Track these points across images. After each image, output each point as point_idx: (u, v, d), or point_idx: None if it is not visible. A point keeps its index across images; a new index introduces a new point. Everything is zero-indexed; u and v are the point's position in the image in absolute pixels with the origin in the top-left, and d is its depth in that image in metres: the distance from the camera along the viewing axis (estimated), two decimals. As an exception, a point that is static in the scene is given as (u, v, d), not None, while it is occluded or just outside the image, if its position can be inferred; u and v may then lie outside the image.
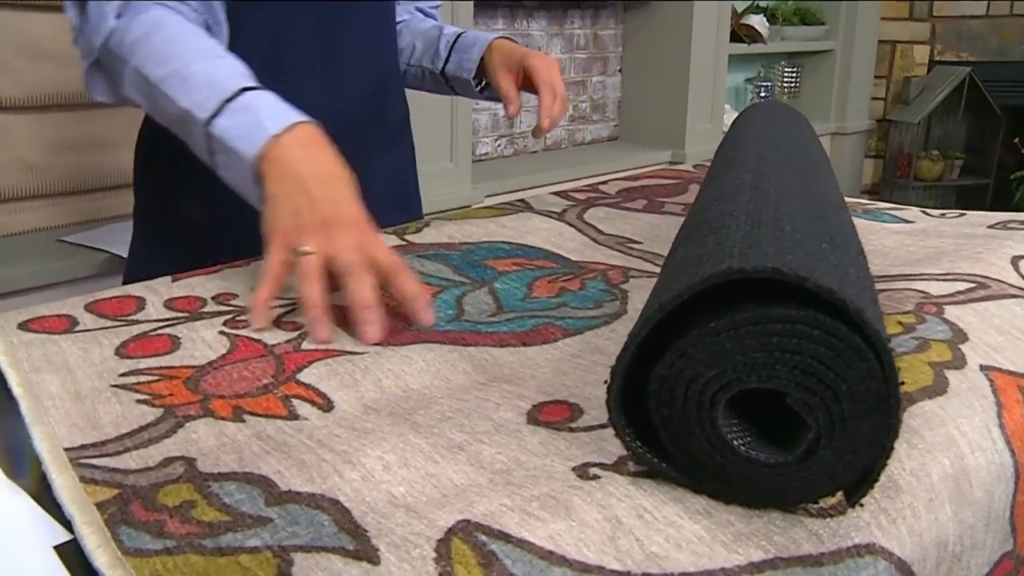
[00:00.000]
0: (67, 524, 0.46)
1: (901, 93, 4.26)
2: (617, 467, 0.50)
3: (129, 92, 0.89)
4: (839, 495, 0.47)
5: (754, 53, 3.66)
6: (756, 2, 3.73)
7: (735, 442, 0.45)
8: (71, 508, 0.46)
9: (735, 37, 3.51)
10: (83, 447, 0.53)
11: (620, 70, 3.45)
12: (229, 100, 0.80)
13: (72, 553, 0.45)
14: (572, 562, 0.42)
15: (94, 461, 0.52)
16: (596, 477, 0.48)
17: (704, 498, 0.47)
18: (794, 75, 3.93)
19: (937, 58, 4.23)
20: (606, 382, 0.47)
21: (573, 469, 0.49)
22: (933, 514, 0.49)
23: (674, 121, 3.34)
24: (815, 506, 0.47)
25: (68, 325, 0.72)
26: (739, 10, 3.61)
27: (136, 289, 0.80)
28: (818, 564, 0.44)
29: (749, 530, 0.45)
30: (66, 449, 0.53)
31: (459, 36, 1.25)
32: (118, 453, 0.53)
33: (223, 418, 0.57)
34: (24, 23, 1.84)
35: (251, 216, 0.80)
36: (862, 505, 0.47)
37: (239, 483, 0.49)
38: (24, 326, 0.72)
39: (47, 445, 0.52)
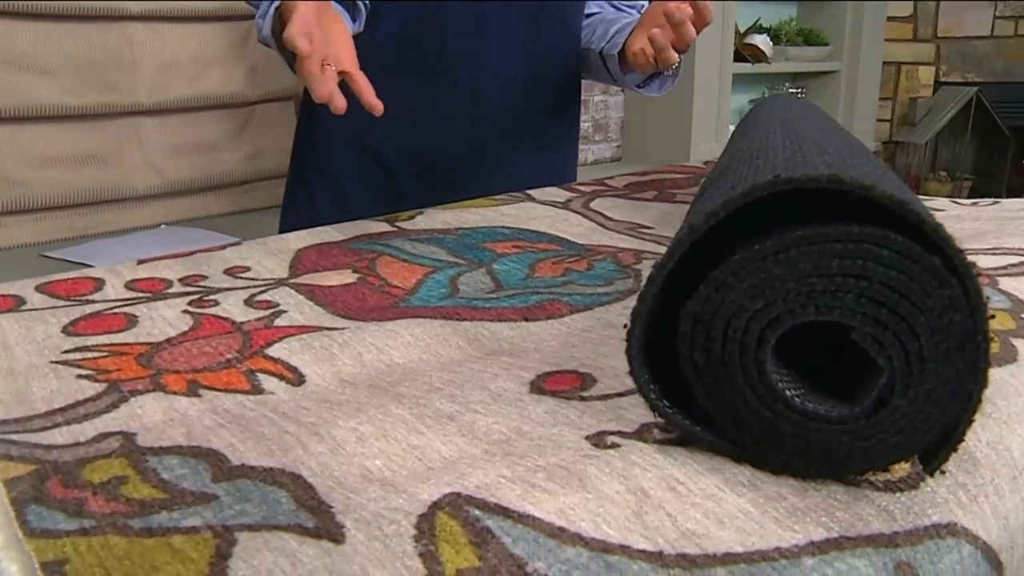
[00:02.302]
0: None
1: (907, 114, 4.18)
2: (640, 435, 0.41)
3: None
4: (911, 464, 0.39)
5: (758, 73, 3.60)
6: (759, 21, 3.67)
7: (787, 392, 0.36)
8: (-28, 485, 0.38)
9: (739, 57, 3.44)
10: (4, 422, 0.45)
11: (622, 90, 3.39)
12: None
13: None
14: (588, 540, 0.33)
15: (14, 437, 0.43)
16: (615, 446, 0.40)
17: (748, 468, 0.39)
18: (799, 96, 3.86)
19: (942, 79, 4.16)
20: (625, 326, 0.39)
21: (587, 438, 0.41)
22: (1019, 494, 0.40)
23: (678, 141, 3.27)
24: (880, 478, 0.38)
25: (13, 304, 0.64)
26: (742, 30, 3.56)
27: (96, 271, 0.72)
28: (892, 545, 0.35)
29: (805, 505, 0.37)
30: (-17, 425, 0.45)
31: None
32: (44, 428, 0.44)
33: (175, 392, 0.49)
34: (6, 32, 1.77)
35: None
36: (943, 472, 0.38)
37: (183, 457, 0.40)
38: None
39: (-41, 420, 0.44)
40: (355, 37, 0.99)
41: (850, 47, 3.91)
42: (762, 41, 3.49)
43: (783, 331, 0.36)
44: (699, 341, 0.37)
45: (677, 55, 1.07)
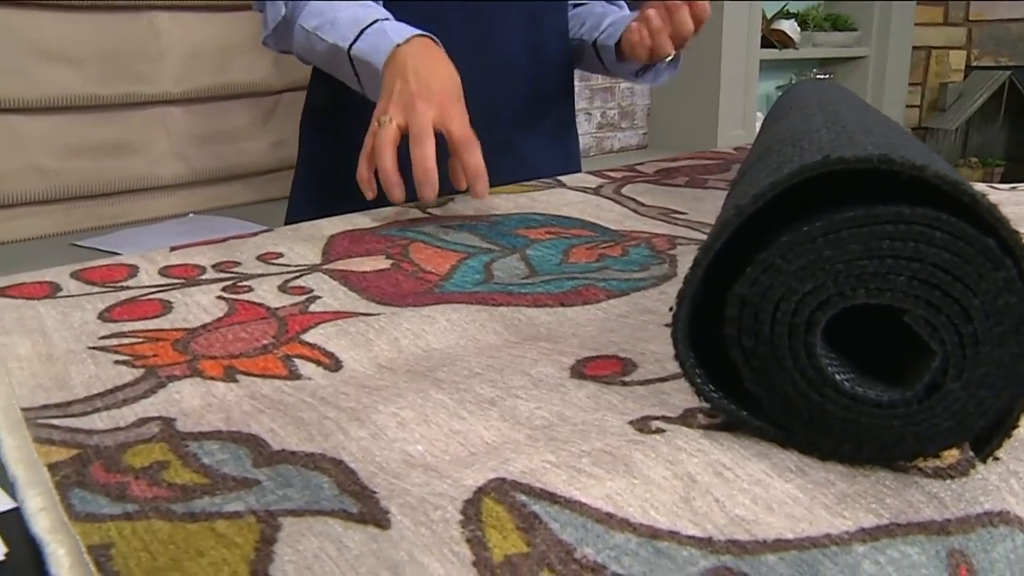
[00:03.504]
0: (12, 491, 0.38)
1: (937, 100, 4.14)
2: (684, 420, 0.40)
3: (296, 48, 1.05)
4: (961, 450, 0.38)
5: (785, 59, 3.57)
6: (786, 7, 3.64)
7: (837, 376, 0.36)
8: (15, 469, 0.37)
9: (766, 43, 3.42)
10: (45, 407, 0.45)
11: (648, 77, 3.37)
12: (365, 28, 0.95)
13: (14, 524, 0.36)
14: (637, 526, 0.33)
15: (55, 421, 0.43)
16: (660, 431, 0.39)
17: (795, 453, 0.38)
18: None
19: (974, 63, 4.11)
20: (671, 309, 0.39)
21: (630, 423, 0.40)
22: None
23: (704, 128, 3.25)
24: (930, 465, 0.38)
25: (49, 291, 0.64)
26: (769, 15, 3.53)
27: (130, 258, 0.72)
28: (944, 533, 0.34)
29: (854, 491, 0.36)
30: (24, 409, 0.44)
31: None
32: (85, 413, 0.44)
33: (212, 378, 0.48)
34: (34, 23, 1.77)
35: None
36: (996, 459, 0.37)
37: (223, 443, 0.40)
38: (1, 292, 0.64)
39: (0, 404, 0.44)
40: None
41: (879, 32, 3.87)
42: (789, 27, 3.46)
43: (833, 314, 0.35)
44: (747, 324, 0.37)
45: (671, 47, 1.07)
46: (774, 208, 0.37)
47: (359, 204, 0.88)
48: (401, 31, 0.93)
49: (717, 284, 0.38)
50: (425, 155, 0.83)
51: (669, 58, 1.14)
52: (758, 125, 3.23)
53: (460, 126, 0.86)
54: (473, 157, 0.85)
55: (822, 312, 0.35)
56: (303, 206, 1.23)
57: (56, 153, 1.83)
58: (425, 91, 0.86)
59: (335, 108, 1.16)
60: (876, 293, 0.34)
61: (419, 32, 0.94)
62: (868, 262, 0.34)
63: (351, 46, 0.95)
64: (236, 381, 0.48)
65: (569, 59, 1.29)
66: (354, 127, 1.07)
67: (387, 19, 0.97)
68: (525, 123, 1.23)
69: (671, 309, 0.38)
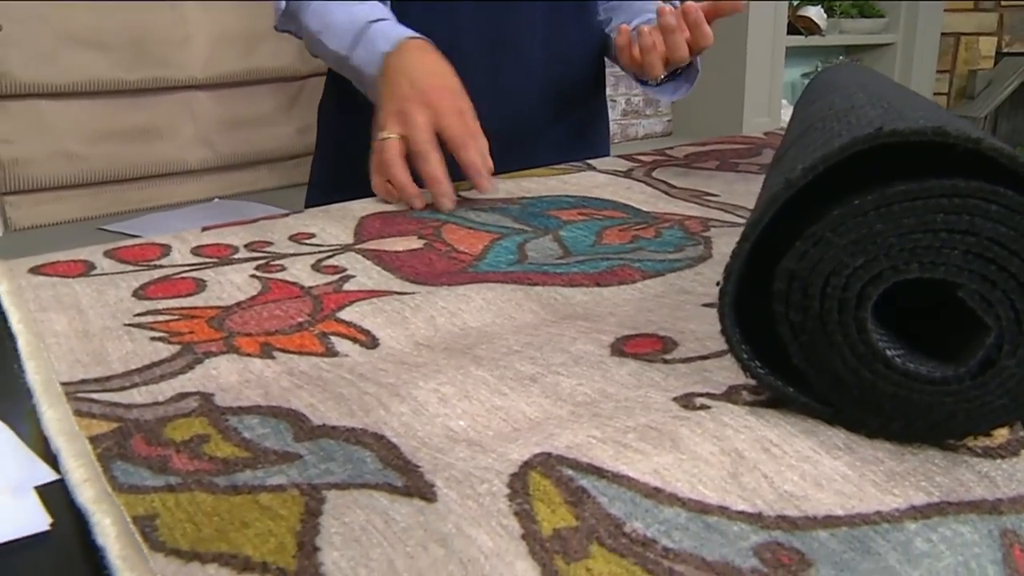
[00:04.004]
0: (56, 464, 0.38)
1: (966, 87, 4.09)
2: (729, 396, 0.40)
3: (307, 46, 1.05)
4: (1011, 430, 0.37)
5: (811, 46, 3.54)
6: (813, -7, 3.61)
7: (888, 352, 0.35)
8: (58, 440, 0.37)
9: (792, 29, 3.39)
10: (83, 382, 0.45)
11: (674, 64, 3.35)
12: (359, 35, 0.94)
13: (58, 494, 0.36)
14: (686, 501, 0.32)
15: (94, 395, 0.43)
16: (705, 407, 0.39)
17: (842, 431, 0.37)
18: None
19: (1005, 50, 4.06)
20: (717, 284, 0.38)
21: (674, 400, 0.40)
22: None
23: (729, 115, 3.23)
24: (980, 444, 0.37)
25: (84, 269, 0.64)
26: (795, 1, 3.50)
27: (162, 238, 0.72)
28: (996, 512, 0.34)
29: (903, 469, 0.35)
30: (64, 384, 0.44)
31: None
32: (123, 388, 0.44)
33: (248, 355, 0.48)
34: (62, 10, 1.78)
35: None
36: (1050, 437, 0.37)
37: (263, 417, 0.40)
38: (36, 270, 0.64)
39: (40, 378, 0.44)
40: None
41: (907, 18, 3.83)
42: (816, 13, 3.43)
43: (885, 287, 0.34)
44: (795, 299, 0.36)
45: (659, 67, 1.00)
46: (820, 184, 0.36)
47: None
48: (389, 36, 0.92)
49: (761, 259, 0.38)
50: (432, 169, 0.82)
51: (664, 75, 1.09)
52: (783, 113, 3.19)
53: (454, 123, 0.84)
54: (468, 154, 0.83)
55: (873, 286, 0.35)
56: (321, 192, 1.22)
57: (83, 138, 1.84)
58: (416, 93, 0.85)
59: (352, 94, 1.16)
60: (930, 267, 0.34)
61: (408, 35, 0.92)
62: (922, 236, 0.34)
63: (350, 54, 0.96)
64: (273, 358, 0.48)
65: (597, 52, 1.26)
66: (370, 114, 1.08)
67: (378, 20, 0.96)
68: (549, 117, 1.20)
69: (718, 283, 0.38)
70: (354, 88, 1.09)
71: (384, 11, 0.98)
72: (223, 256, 0.67)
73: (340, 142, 1.23)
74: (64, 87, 1.80)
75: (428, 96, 0.85)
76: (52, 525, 0.35)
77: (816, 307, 0.36)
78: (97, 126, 1.87)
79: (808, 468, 0.35)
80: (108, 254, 0.68)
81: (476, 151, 0.83)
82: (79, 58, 1.81)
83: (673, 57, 0.98)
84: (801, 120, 0.59)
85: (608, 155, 1.31)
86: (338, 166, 1.22)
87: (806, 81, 3.76)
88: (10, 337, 0.52)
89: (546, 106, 1.19)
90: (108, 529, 0.31)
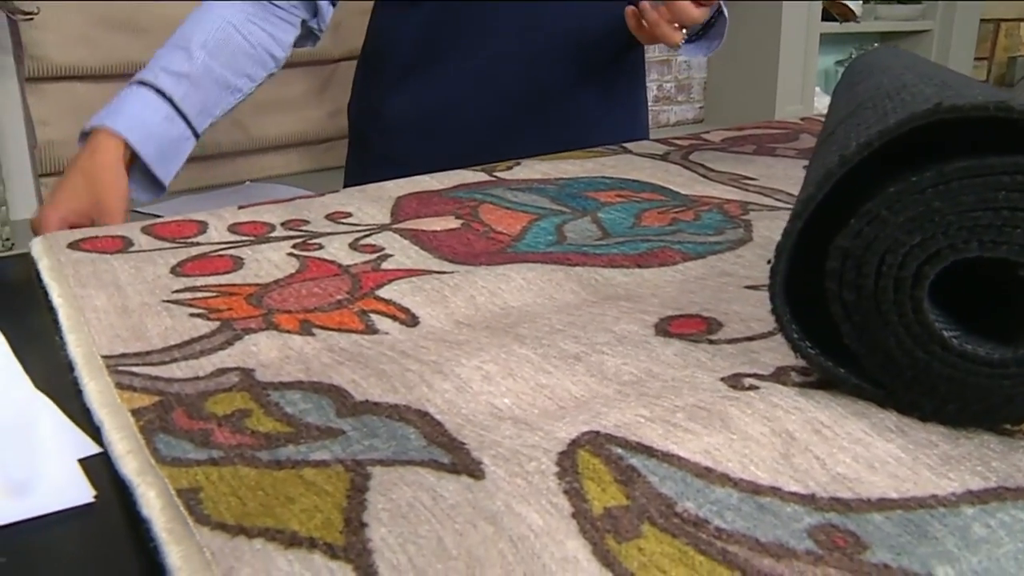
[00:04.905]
0: (97, 436, 0.37)
1: (1005, 75, 4.03)
2: (777, 377, 0.39)
3: None
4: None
5: (845, 32, 3.50)
6: (849, -21, 3.57)
7: (944, 332, 0.34)
8: (101, 413, 0.37)
9: (826, 16, 3.35)
10: (124, 355, 0.45)
11: (706, 50, 3.32)
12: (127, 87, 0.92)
13: (101, 467, 0.36)
14: (737, 481, 0.32)
15: (135, 369, 0.43)
16: (754, 388, 0.38)
17: (894, 413, 0.37)
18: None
19: (1045, 37, 4.01)
20: (769, 262, 0.37)
21: (722, 380, 0.39)
22: None
23: (762, 102, 3.20)
24: (1037, 429, 0.36)
25: (122, 245, 0.64)
26: (831, -13, 3.46)
27: (199, 215, 0.72)
28: (1055, 498, 0.33)
29: (958, 453, 0.35)
30: (104, 356, 0.44)
31: None
32: (163, 363, 0.44)
33: (288, 331, 0.48)
34: (98, -9, 1.79)
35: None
36: (1112, 422, 0.36)
37: (304, 392, 0.40)
38: (75, 245, 0.64)
39: (81, 351, 0.44)
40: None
41: (945, 4, 3.78)
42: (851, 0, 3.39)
43: (943, 266, 0.34)
44: (849, 278, 0.35)
45: (675, 35, 0.96)
46: (870, 163, 0.35)
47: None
48: (104, 114, 0.89)
49: (808, 238, 0.37)
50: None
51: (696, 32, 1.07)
52: (816, 100, 3.15)
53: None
54: None
55: (931, 266, 0.34)
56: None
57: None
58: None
59: (379, 89, 1.15)
60: (991, 246, 0.33)
61: (101, 123, 0.88)
62: (982, 214, 0.33)
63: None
64: (312, 335, 0.47)
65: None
66: (398, 110, 1.07)
67: (141, 81, 0.92)
68: (580, 91, 1.18)
69: (769, 261, 0.37)
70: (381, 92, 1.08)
71: (170, 68, 0.93)
72: (260, 234, 0.67)
73: (369, 136, 1.22)
74: (99, 70, 1.80)
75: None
76: (95, 497, 0.34)
77: (870, 286, 0.35)
78: (130, 108, 1.87)
79: (860, 450, 0.34)
80: (145, 230, 0.68)
81: None
82: (114, 41, 1.82)
83: (682, 22, 0.94)
84: (847, 101, 0.57)
85: (648, 131, 1.30)
86: (370, 162, 1.22)
87: (840, 69, 3.72)
88: (50, 311, 0.52)
89: (575, 70, 1.16)
90: (153, 501, 0.31)
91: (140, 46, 1.84)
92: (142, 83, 0.91)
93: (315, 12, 1.06)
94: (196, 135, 0.94)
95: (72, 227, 0.79)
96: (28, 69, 1.73)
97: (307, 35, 1.08)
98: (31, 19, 1.63)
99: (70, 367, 0.44)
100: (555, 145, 1.06)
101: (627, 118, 1.25)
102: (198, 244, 0.64)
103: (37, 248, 0.64)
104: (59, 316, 0.50)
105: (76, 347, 0.45)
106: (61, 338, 0.48)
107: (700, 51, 1.12)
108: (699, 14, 0.93)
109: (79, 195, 0.84)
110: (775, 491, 0.31)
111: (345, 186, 1.26)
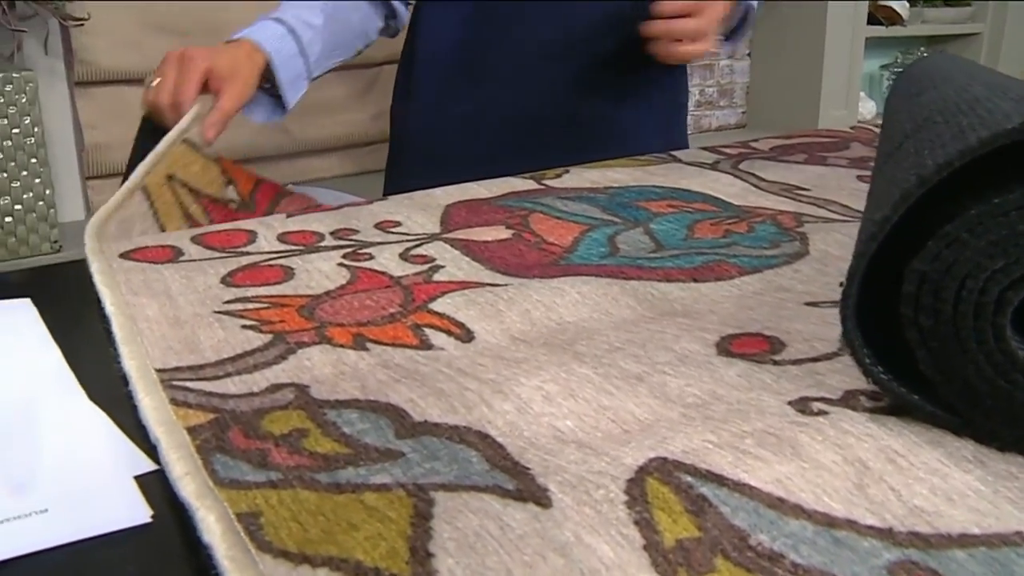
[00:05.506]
0: (153, 453, 0.37)
1: (1052, 80, 3.96)
2: (846, 402, 0.38)
3: None
4: None
5: (892, 36, 3.46)
6: (895, -17, 3.53)
7: (1029, 361, 0.33)
8: (157, 431, 0.37)
9: (872, 20, 3.31)
10: (177, 369, 0.44)
11: (749, 54, 3.29)
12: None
13: (157, 485, 0.35)
14: (811, 513, 0.31)
15: (189, 384, 0.42)
16: (823, 412, 0.37)
17: (970, 442, 0.35)
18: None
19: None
20: (841, 284, 0.36)
21: (790, 404, 0.38)
22: None
23: (806, 108, 3.17)
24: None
25: (172, 255, 0.64)
26: (877, -9, 3.42)
27: (248, 223, 0.72)
28: None
29: (1041, 486, 0.33)
30: (158, 370, 0.44)
31: None
32: (217, 377, 0.44)
33: (342, 345, 0.47)
34: (144, -2, 1.80)
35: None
36: None
37: (362, 411, 0.39)
38: (126, 255, 0.64)
39: (136, 364, 0.44)
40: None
41: (995, 6, 3.72)
42: (898, 3, 3.35)
43: (1027, 293, 0.32)
44: (926, 302, 0.34)
45: (686, 54, 0.99)
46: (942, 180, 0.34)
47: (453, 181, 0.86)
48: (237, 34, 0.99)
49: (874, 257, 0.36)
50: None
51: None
52: (861, 105, 3.10)
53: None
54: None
55: (1014, 291, 0.32)
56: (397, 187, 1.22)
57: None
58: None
59: (419, 90, 1.15)
60: (1079, 271, 0.32)
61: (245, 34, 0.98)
62: (1070, 237, 0.32)
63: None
64: (366, 349, 0.47)
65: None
66: (439, 111, 1.08)
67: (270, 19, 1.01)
68: (616, 90, 1.17)
69: (841, 284, 0.36)
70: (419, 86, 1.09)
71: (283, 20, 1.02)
72: (309, 243, 0.66)
73: (411, 138, 1.23)
74: (145, 73, 1.81)
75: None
76: (152, 517, 0.34)
77: (949, 312, 0.33)
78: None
79: (937, 481, 0.33)
80: (195, 240, 0.67)
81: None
82: (161, 45, 1.83)
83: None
84: (909, 113, 0.56)
85: (686, 138, 1.29)
86: (413, 162, 1.22)
87: (885, 73, 3.68)
88: (103, 319, 0.52)
89: (611, 69, 1.15)
90: (213, 526, 0.30)
91: (185, 50, 1.85)
92: (278, 20, 1.01)
93: (394, 13, 1.17)
94: (309, 78, 1.05)
95: (193, 75, 0.91)
96: (78, 73, 1.75)
97: (386, 28, 1.19)
98: (82, 24, 1.64)
99: (124, 379, 0.44)
100: (592, 144, 1.06)
101: (663, 121, 1.24)
102: (248, 253, 0.64)
103: (90, 244, 0.64)
104: (112, 326, 0.49)
105: (130, 359, 0.44)
106: (115, 348, 0.47)
107: (728, 46, 1.16)
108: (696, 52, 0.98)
109: (218, 52, 0.94)
110: (851, 524, 0.30)
111: (386, 188, 1.26)
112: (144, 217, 0.76)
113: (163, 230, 0.76)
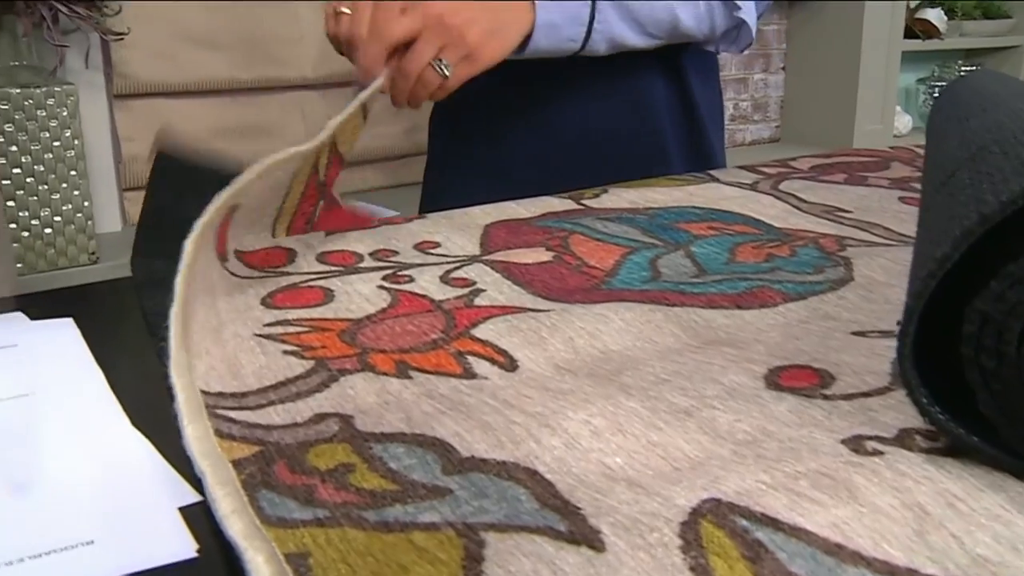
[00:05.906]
0: (196, 483, 0.37)
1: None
2: (901, 441, 0.37)
3: None
4: None
5: (929, 50, 3.42)
6: (932, -4, 3.50)
7: (1096, 406, 0.32)
8: (202, 464, 0.36)
9: (908, 33, 3.29)
10: (221, 395, 0.44)
11: (783, 67, 3.28)
12: None
13: (200, 517, 0.35)
14: (871, 560, 0.30)
15: (232, 414, 0.42)
16: (878, 452, 0.36)
17: (1033, 486, 0.34)
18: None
19: None
20: (898, 323, 0.35)
21: (843, 442, 0.37)
22: None
23: (841, 122, 3.14)
24: None
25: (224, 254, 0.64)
26: (913, 3, 3.39)
27: (286, 241, 0.72)
28: None
29: (1107, 533, 0.32)
30: (204, 393, 0.44)
31: None
32: (260, 407, 0.43)
33: (384, 373, 0.47)
34: (181, 10, 1.81)
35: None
36: None
37: (408, 446, 0.39)
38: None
39: (182, 383, 0.43)
40: None
41: (1034, 20, 3.67)
42: (936, 16, 3.32)
43: (1095, 336, 0.32)
44: (989, 343, 0.33)
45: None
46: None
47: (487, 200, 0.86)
48: None
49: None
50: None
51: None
52: (897, 120, 3.07)
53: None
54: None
55: (1082, 333, 0.32)
56: (432, 202, 1.23)
57: (199, 136, 1.87)
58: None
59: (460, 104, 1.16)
60: None
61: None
62: None
63: None
64: (410, 377, 0.46)
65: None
66: (479, 124, 1.08)
67: None
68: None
69: (898, 323, 0.35)
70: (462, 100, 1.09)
71: None
72: (349, 264, 0.66)
73: (449, 155, 1.23)
74: (182, 86, 1.83)
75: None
76: (198, 551, 0.34)
77: (1012, 353, 0.33)
78: (212, 124, 1.90)
79: (1000, 529, 0.32)
80: (236, 255, 0.67)
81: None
82: (197, 58, 1.84)
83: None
84: (961, 140, 0.55)
85: (724, 156, 1.28)
86: (450, 180, 1.22)
87: (921, 87, 3.64)
88: (149, 329, 0.52)
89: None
90: (262, 567, 0.30)
91: (222, 63, 1.87)
92: None
93: None
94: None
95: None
96: (116, 86, 1.77)
97: None
98: (122, 39, 1.66)
99: (168, 393, 0.42)
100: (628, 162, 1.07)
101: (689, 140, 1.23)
102: (288, 274, 0.64)
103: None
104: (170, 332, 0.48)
105: (177, 377, 0.43)
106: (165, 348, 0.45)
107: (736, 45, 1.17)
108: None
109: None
110: (911, 572, 0.30)
111: (422, 203, 1.26)
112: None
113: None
